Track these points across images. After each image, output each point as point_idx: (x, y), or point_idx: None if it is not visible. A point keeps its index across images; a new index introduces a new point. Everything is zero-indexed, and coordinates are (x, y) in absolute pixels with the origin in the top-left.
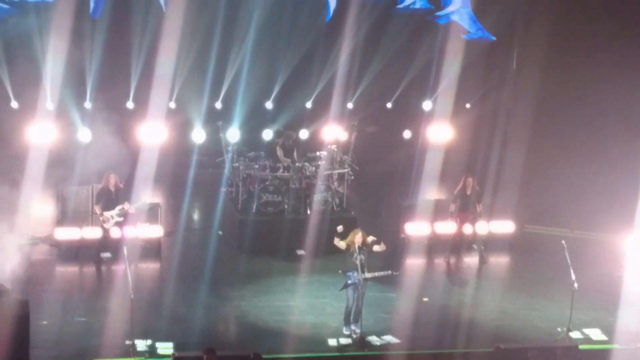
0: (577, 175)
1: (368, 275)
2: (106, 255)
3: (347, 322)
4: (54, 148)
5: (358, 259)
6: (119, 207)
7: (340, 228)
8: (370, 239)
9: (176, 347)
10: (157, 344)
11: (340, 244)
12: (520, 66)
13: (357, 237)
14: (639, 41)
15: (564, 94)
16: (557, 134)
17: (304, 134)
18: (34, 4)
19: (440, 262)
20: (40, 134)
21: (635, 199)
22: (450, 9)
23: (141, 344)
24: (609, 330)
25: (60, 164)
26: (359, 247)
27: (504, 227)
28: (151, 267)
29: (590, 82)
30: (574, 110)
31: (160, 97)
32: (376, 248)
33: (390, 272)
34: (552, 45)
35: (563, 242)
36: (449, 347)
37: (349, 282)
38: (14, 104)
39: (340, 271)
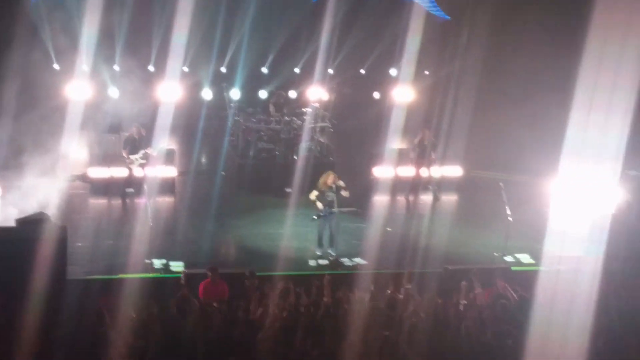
0: (514, 128)
1: (336, 210)
2: (130, 190)
3: (319, 244)
4: (88, 102)
5: (329, 196)
6: (142, 152)
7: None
8: (340, 183)
9: (186, 266)
10: (171, 263)
11: (312, 194)
12: (469, 40)
13: (329, 178)
14: (563, 22)
15: (504, 62)
16: (497, 95)
17: (292, 94)
18: None
19: (401, 199)
20: (77, 91)
21: (559, 147)
22: None
23: (157, 263)
24: (536, 255)
25: (93, 116)
26: (329, 187)
27: (454, 171)
28: (167, 200)
29: (524, 53)
30: (511, 75)
31: (176, 62)
32: (343, 193)
33: (355, 209)
34: (495, 24)
35: (501, 184)
36: (407, 268)
37: (321, 214)
38: (56, 66)
39: (314, 216)
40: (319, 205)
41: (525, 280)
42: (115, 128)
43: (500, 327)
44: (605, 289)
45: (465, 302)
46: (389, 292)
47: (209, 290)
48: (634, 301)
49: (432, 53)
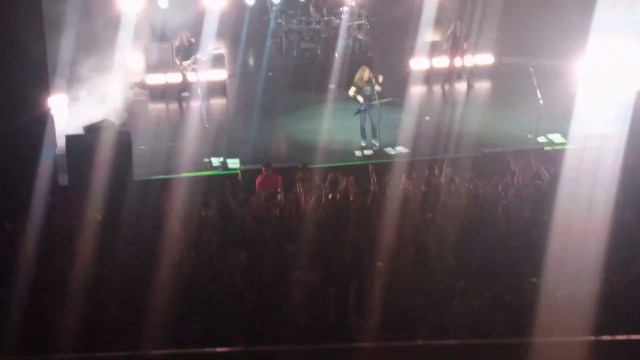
0: (542, 12)
1: (376, 102)
2: (185, 94)
3: (363, 136)
4: (139, 13)
5: (368, 90)
6: (193, 57)
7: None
8: (372, 77)
9: (242, 162)
10: (228, 160)
11: (351, 91)
12: None
13: (365, 73)
14: None
15: None
16: None
17: None
18: None
19: (437, 89)
20: (128, 2)
21: (587, 27)
22: None
23: (215, 161)
24: (566, 134)
25: (146, 26)
26: (366, 82)
27: (486, 59)
28: (219, 102)
29: None
30: None
31: None
32: (376, 88)
33: (392, 99)
34: None
35: (531, 69)
36: (445, 154)
37: (361, 108)
38: None
39: (354, 114)
40: (359, 99)
41: (558, 159)
42: (166, 37)
43: (536, 205)
44: (630, 163)
45: (502, 183)
46: (430, 176)
47: (264, 183)
48: None
49: None
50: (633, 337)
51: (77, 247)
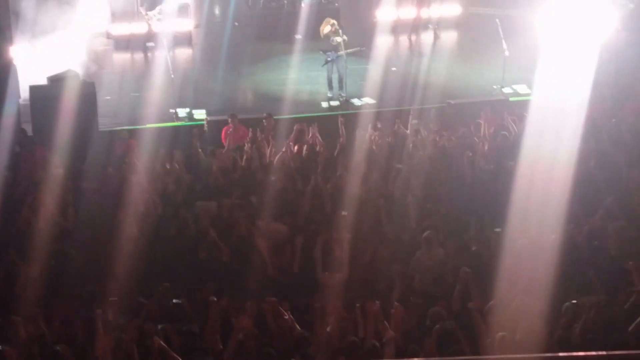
0: None
1: (342, 52)
2: (150, 44)
3: (330, 87)
4: None
5: (335, 41)
6: (158, 7)
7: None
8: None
9: (208, 113)
10: (194, 111)
11: (324, 29)
12: None
13: (329, 26)
14: None
15: None
16: None
17: None
18: None
19: (403, 39)
20: None
21: None
22: None
23: (181, 112)
24: (531, 85)
25: None
26: (333, 32)
27: (453, 10)
28: (185, 52)
29: None
30: None
31: None
32: (340, 38)
33: (359, 48)
34: None
35: (497, 20)
36: (412, 105)
37: (328, 59)
38: None
39: (320, 51)
40: (336, 39)
41: (523, 109)
42: None
43: (501, 156)
44: (594, 115)
45: (468, 134)
46: (397, 127)
47: (231, 135)
48: (624, 126)
49: None
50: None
51: (41, 198)
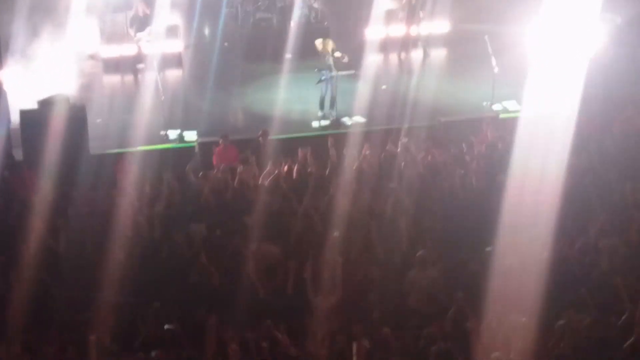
0: None
1: (336, 73)
2: (140, 66)
3: (321, 107)
4: None
5: (330, 60)
6: (148, 29)
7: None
8: (338, 53)
9: (199, 134)
10: (184, 133)
11: (317, 44)
12: None
13: (328, 45)
14: None
15: None
16: None
17: None
18: None
19: (393, 57)
20: None
21: None
22: None
23: (172, 133)
24: (521, 101)
25: None
26: (327, 52)
27: (441, 27)
28: (175, 73)
29: None
30: None
31: None
32: (338, 56)
33: (353, 71)
34: None
35: (486, 37)
36: (402, 123)
37: (322, 78)
38: None
39: (316, 69)
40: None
41: (513, 125)
42: (121, 8)
43: (491, 174)
44: (582, 130)
45: (459, 152)
46: (388, 146)
47: (222, 156)
48: (612, 141)
49: None
50: None
51: (31, 222)
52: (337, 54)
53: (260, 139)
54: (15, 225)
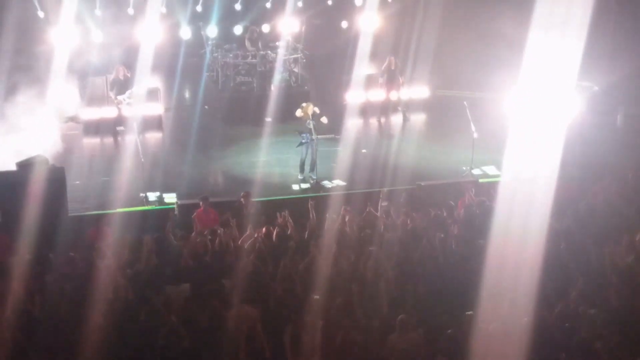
0: (474, 50)
1: (316, 136)
2: (120, 128)
3: (301, 170)
4: (74, 47)
5: (310, 124)
6: (128, 92)
7: (298, 112)
8: (317, 110)
9: (179, 197)
10: (164, 195)
11: (298, 113)
12: None
13: (309, 109)
14: None
15: None
16: (461, 18)
17: (265, 28)
18: None
19: (373, 121)
20: (62, 37)
21: (519, 63)
22: None
23: (152, 196)
24: (500, 166)
25: (79, 60)
26: (308, 116)
27: (421, 92)
28: (155, 136)
29: None
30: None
31: (154, 4)
32: (322, 120)
33: (333, 135)
34: None
35: (465, 102)
36: (382, 186)
37: (303, 141)
38: (40, 14)
39: (297, 132)
40: (309, 125)
41: (493, 190)
42: (101, 71)
43: (472, 237)
44: (561, 195)
45: (439, 216)
46: (367, 209)
47: (202, 218)
48: (590, 206)
49: None
50: None
51: (8, 287)
52: (316, 110)
53: (242, 200)
54: None
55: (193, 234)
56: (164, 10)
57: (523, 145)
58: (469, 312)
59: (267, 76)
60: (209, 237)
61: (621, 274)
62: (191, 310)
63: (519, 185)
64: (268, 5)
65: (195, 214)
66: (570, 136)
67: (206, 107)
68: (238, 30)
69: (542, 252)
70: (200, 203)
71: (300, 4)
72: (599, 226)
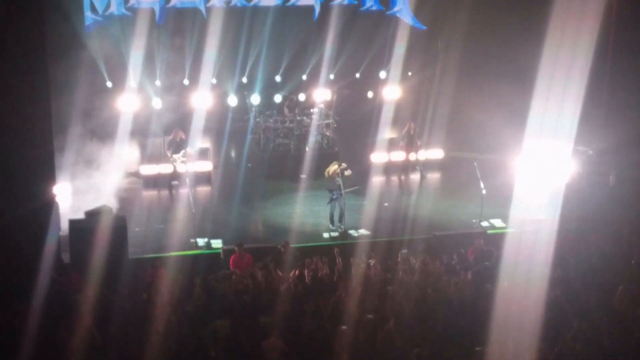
0: (485, 116)
1: (344, 190)
2: (175, 183)
3: (331, 222)
4: (136, 113)
5: (339, 181)
6: (182, 151)
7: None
8: (344, 166)
9: (224, 242)
10: (211, 241)
11: (326, 173)
12: (446, 46)
13: (335, 167)
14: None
15: (475, 63)
16: (471, 90)
17: (301, 97)
18: (119, 16)
19: (394, 179)
20: (127, 103)
21: (522, 129)
22: (396, 8)
23: (201, 241)
24: (505, 219)
25: (141, 124)
26: (338, 173)
27: (436, 154)
28: (204, 189)
29: (493, 53)
30: (482, 72)
31: (206, 76)
32: (346, 173)
33: (357, 186)
34: (467, 32)
35: (475, 163)
36: (401, 236)
37: (333, 197)
38: (109, 84)
39: (327, 190)
40: (337, 181)
41: (499, 240)
42: (159, 133)
43: (482, 282)
44: (561, 246)
45: (453, 261)
46: (388, 255)
47: (238, 262)
48: (587, 256)
49: (415, 57)
50: None
51: (76, 320)
52: (347, 172)
53: (282, 248)
54: (63, 321)
55: (233, 276)
56: (214, 81)
57: (526, 201)
58: (479, 348)
59: (302, 139)
60: (250, 279)
61: (613, 318)
62: (231, 342)
63: (523, 236)
64: (304, 77)
65: (231, 258)
66: (568, 194)
67: (249, 165)
68: (278, 98)
69: (543, 297)
70: (235, 248)
71: (332, 77)
72: (595, 275)
